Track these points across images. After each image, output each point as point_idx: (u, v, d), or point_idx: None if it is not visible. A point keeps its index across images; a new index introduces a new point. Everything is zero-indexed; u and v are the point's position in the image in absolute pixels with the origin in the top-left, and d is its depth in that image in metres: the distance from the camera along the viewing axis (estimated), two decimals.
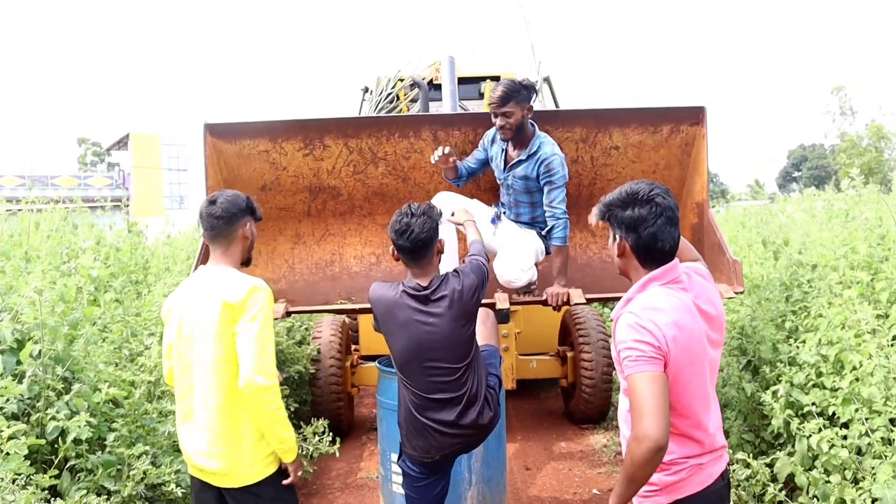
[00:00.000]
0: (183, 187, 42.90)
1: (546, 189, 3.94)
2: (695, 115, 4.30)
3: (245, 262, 2.89)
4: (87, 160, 49.13)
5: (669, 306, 2.09)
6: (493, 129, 4.04)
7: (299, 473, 2.81)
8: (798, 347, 3.90)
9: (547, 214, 3.99)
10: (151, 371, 4.11)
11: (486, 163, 4.17)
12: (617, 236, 2.24)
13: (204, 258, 3.62)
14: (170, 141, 42.40)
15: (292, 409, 5.84)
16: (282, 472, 2.77)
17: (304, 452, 5.09)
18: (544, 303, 4.18)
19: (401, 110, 7.25)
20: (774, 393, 3.76)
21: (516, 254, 3.99)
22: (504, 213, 4.19)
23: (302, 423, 5.51)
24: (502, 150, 4.03)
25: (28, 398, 3.42)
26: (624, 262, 2.26)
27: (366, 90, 7.80)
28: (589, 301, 4.08)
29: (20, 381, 3.34)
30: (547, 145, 3.90)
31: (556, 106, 7.28)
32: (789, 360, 4.00)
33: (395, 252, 3.06)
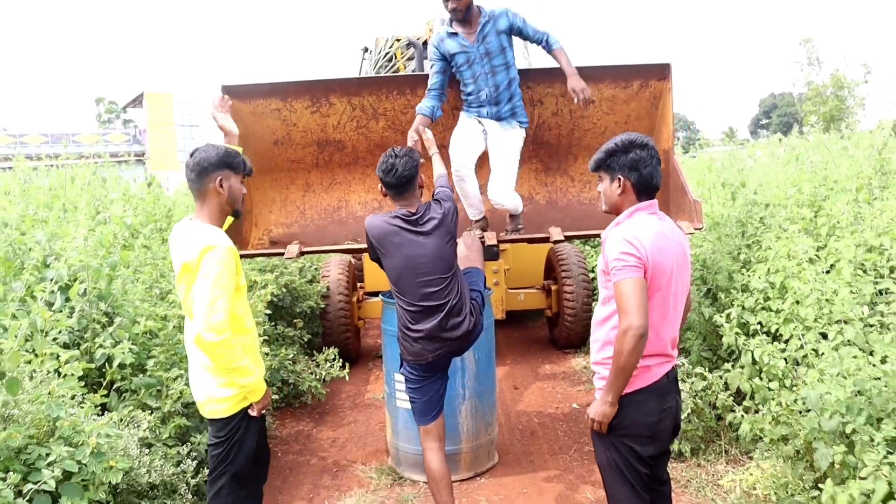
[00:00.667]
0: (196, 142, 42.67)
1: (519, 32, 4.15)
2: (661, 71, 4.44)
3: (234, 215, 2.83)
4: (105, 118, 48.66)
5: (650, 230, 2.40)
6: (436, 35, 4.20)
7: (262, 410, 2.80)
8: (749, 276, 4.13)
9: (538, 41, 4.18)
10: (181, 306, 4.34)
11: (446, 68, 4.22)
12: (619, 178, 2.49)
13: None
14: (182, 98, 41.99)
15: (305, 340, 6.11)
16: (244, 413, 2.76)
17: (317, 376, 5.38)
18: (529, 241, 4.39)
19: (398, 69, 7.33)
20: (728, 315, 4.00)
21: (503, 178, 4.19)
22: (485, 101, 4.20)
23: (315, 352, 5.80)
24: (460, 36, 4.12)
25: (77, 330, 3.65)
26: (622, 198, 2.52)
27: (365, 50, 7.86)
28: (568, 238, 4.29)
29: (70, 316, 3.55)
30: (489, 8, 4.13)
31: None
32: (742, 287, 4.23)
33: (383, 189, 3.37)
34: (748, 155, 8.93)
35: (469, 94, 4.23)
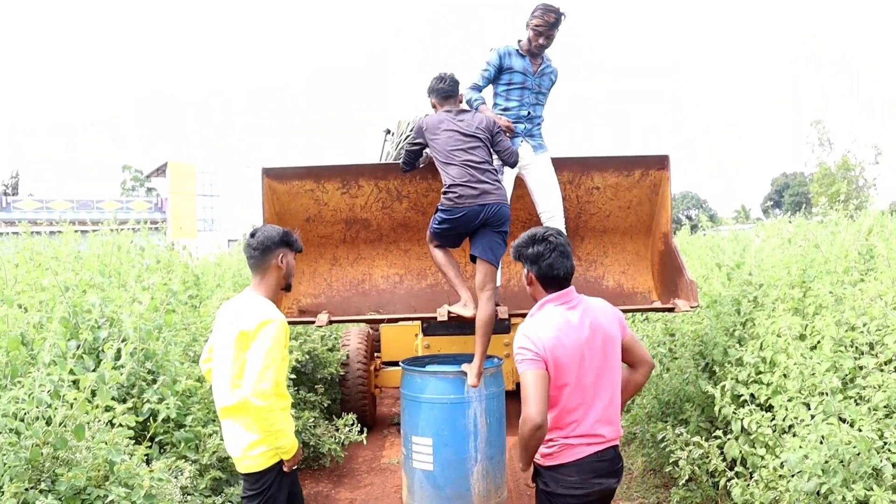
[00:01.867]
0: (215, 211, 43.80)
1: (547, 91, 4.85)
2: (661, 162, 4.94)
3: (285, 289, 3.16)
4: (129, 185, 50.08)
5: (553, 324, 2.64)
6: (503, 47, 4.69)
7: (294, 465, 3.06)
8: (742, 351, 4.47)
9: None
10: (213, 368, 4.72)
11: (493, 79, 4.74)
12: (525, 269, 2.81)
13: None
14: (204, 169, 43.35)
15: (325, 405, 6.45)
16: (277, 468, 3.01)
17: (336, 440, 5.69)
18: None
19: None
20: (723, 387, 4.33)
21: (553, 196, 4.77)
22: (524, 118, 4.75)
23: (334, 417, 6.12)
24: (527, 60, 4.70)
25: (125, 386, 4.03)
26: (532, 289, 2.82)
27: (388, 132, 8.40)
28: None
29: (121, 373, 3.93)
30: (550, 60, 4.83)
31: None
32: (736, 362, 4.57)
33: (433, 99, 4.60)
34: (755, 234, 9.25)
35: (508, 111, 4.74)
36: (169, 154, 44.26)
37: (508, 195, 4.63)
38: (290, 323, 5.09)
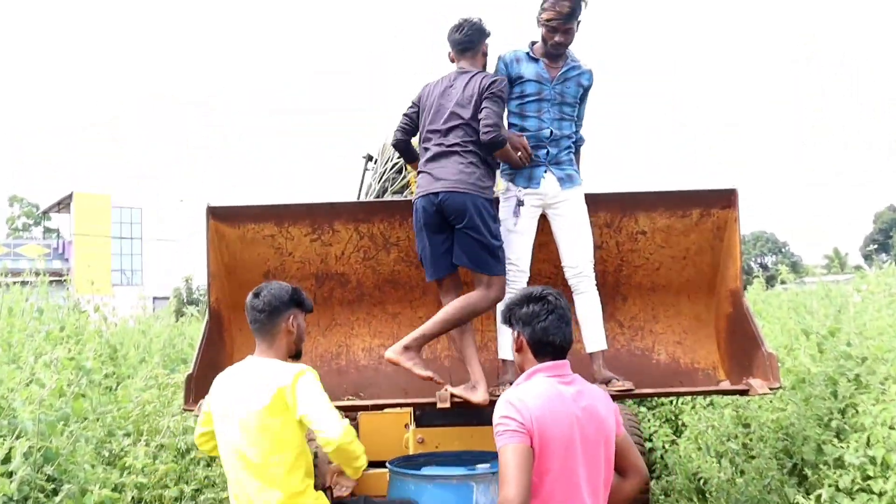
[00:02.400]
0: (136, 259, 43.85)
1: (581, 103, 4.91)
2: (725, 199, 5.01)
3: (295, 356, 3.53)
4: (19, 223, 50.11)
5: (543, 392, 2.83)
6: (510, 52, 4.81)
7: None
8: (843, 448, 4.50)
9: (576, 129, 4.94)
10: (141, 471, 4.73)
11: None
12: (516, 333, 3.00)
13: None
14: (122, 202, 43.52)
15: None
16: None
17: None
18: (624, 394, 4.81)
19: (409, 183, 7.98)
20: (818, 498, 4.34)
21: (583, 247, 4.78)
22: (546, 139, 4.77)
23: None
24: (541, 65, 4.74)
25: (15, 501, 4.02)
26: (521, 357, 3.02)
27: (369, 158, 8.49)
28: (615, 398, 4.70)
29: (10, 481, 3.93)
30: (580, 60, 4.87)
31: None
32: (834, 462, 4.59)
33: (451, 53, 4.78)
34: (855, 289, 9.26)
35: (525, 132, 4.76)
36: (75, 184, 44.46)
37: (529, 239, 4.73)
38: None
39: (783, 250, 63.81)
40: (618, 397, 4.73)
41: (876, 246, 59.17)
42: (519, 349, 3.01)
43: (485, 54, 4.77)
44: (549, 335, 2.92)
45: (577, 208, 4.82)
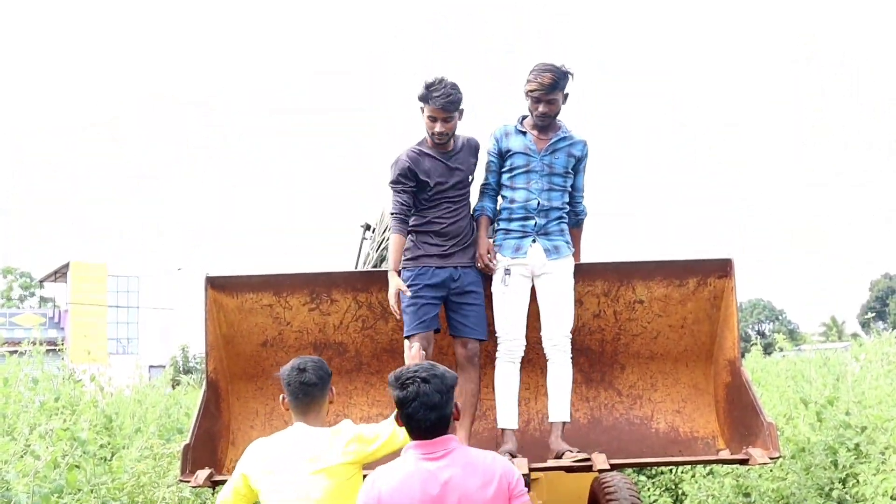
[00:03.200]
0: (132, 327, 43.79)
1: (577, 175, 4.98)
2: (722, 268, 5.07)
3: None
4: (14, 294, 50.14)
5: (401, 472, 3.02)
6: (500, 128, 4.90)
7: None
8: None
9: (575, 201, 5.04)
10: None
11: (501, 168, 4.93)
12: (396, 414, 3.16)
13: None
14: (119, 272, 43.62)
15: None
16: None
17: None
18: (568, 469, 4.79)
19: None
20: None
21: (562, 318, 4.83)
22: (533, 211, 4.84)
23: None
24: (529, 137, 4.82)
25: None
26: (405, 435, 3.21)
27: (367, 228, 8.57)
28: (613, 467, 4.69)
29: None
30: (573, 130, 4.94)
31: None
32: None
33: None
34: (853, 357, 9.28)
35: (514, 203, 4.84)
36: (71, 253, 44.58)
37: (520, 307, 4.84)
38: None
39: (780, 318, 63.89)
40: (616, 467, 4.74)
41: (873, 314, 59.24)
42: (400, 423, 3.17)
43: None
44: (412, 421, 3.06)
45: (562, 280, 4.88)
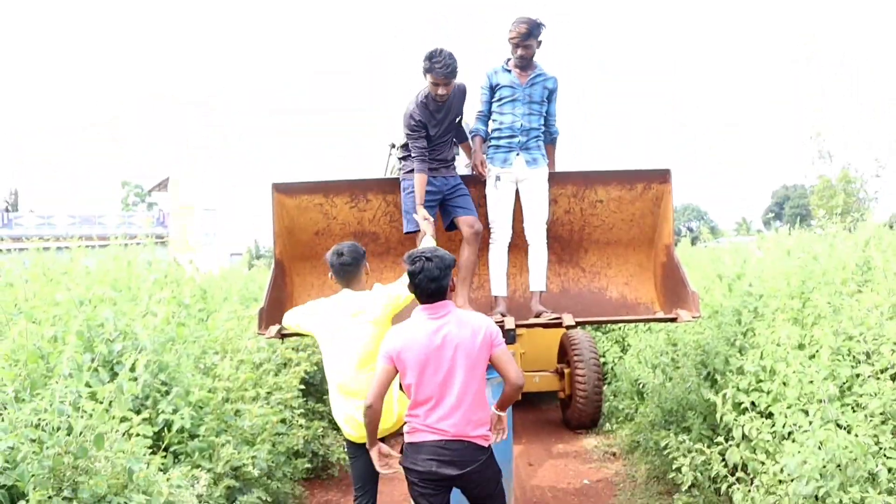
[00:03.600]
0: (216, 225, 43.87)
1: (550, 103, 4.97)
2: (663, 176, 5.06)
3: None
4: (130, 201, 50.18)
5: (409, 330, 3.23)
6: (491, 69, 4.90)
7: None
8: (743, 360, 4.58)
9: (549, 123, 5.02)
10: (227, 379, 4.84)
11: (492, 99, 4.94)
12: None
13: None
14: (206, 182, 43.51)
15: (329, 419, 6.54)
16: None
17: (345, 450, 5.77)
18: (543, 326, 4.89)
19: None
20: (724, 395, 4.43)
21: (539, 218, 4.89)
22: (518, 130, 4.85)
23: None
24: (513, 74, 4.84)
25: (140, 397, 4.14)
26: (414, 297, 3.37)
27: (392, 146, 8.52)
28: (579, 324, 4.79)
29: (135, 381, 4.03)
30: (546, 69, 4.90)
31: None
32: (737, 370, 4.67)
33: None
34: (756, 247, 9.35)
35: (502, 125, 4.88)
36: (170, 169, 44.37)
37: (507, 206, 4.89)
38: (298, 335, 5.22)
39: (704, 218, 63.68)
40: (580, 324, 4.83)
41: (772, 215, 59.00)
42: (412, 291, 3.32)
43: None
44: (419, 289, 3.23)
45: (539, 184, 4.92)
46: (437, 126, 4.74)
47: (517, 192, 4.92)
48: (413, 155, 4.70)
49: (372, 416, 3.22)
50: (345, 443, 4.08)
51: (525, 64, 4.83)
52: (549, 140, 5.08)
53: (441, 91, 4.55)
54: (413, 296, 3.40)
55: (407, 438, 3.28)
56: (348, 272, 3.90)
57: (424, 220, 4.53)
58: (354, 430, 3.73)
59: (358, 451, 3.78)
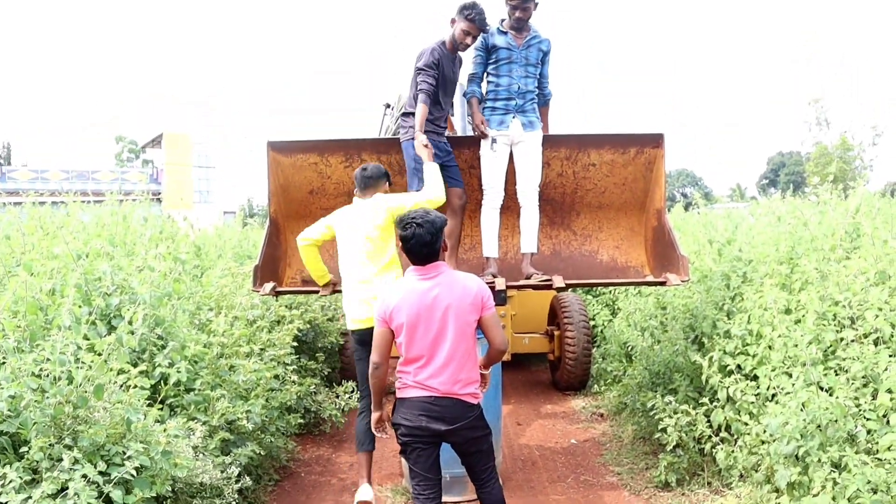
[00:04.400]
0: (210, 183, 43.74)
1: (543, 65, 5.00)
2: (655, 140, 5.07)
3: None
4: (124, 157, 49.77)
5: (403, 289, 3.31)
6: (489, 30, 4.81)
7: None
8: (730, 324, 4.66)
9: (542, 85, 5.05)
10: (222, 335, 4.90)
11: (486, 60, 4.94)
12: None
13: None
14: (199, 140, 43.24)
15: (325, 373, 6.64)
16: None
17: (337, 406, 5.88)
18: (534, 287, 4.95)
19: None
20: (710, 358, 4.52)
21: (532, 180, 4.93)
22: (515, 93, 4.88)
23: (334, 384, 6.32)
24: (509, 36, 4.84)
25: (136, 351, 4.19)
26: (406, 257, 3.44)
27: (387, 106, 8.49)
28: (570, 286, 4.85)
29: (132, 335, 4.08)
30: (539, 31, 4.92)
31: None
32: (724, 334, 4.75)
33: None
34: (750, 213, 9.37)
35: (499, 87, 4.89)
36: (164, 125, 43.99)
37: (502, 167, 4.90)
38: (292, 293, 5.28)
39: (699, 183, 63.65)
40: (570, 286, 4.90)
41: (767, 181, 58.99)
42: (403, 254, 3.46)
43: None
44: (410, 253, 3.29)
45: (534, 147, 4.94)
46: (450, 73, 4.80)
47: (511, 154, 4.93)
48: (420, 88, 4.68)
49: (379, 375, 3.36)
50: (353, 341, 4.46)
51: (522, 26, 4.82)
52: (543, 102, 5.08)
53: (469, 41, 4.68)
54: (413, 202, 3.97)
55: (398, 394, 3.37)
56: (368, 184, 4.37)
57: (424, 148, 4.55)
58: (366, 311, 4.19)
59: (365, 350, 4.01)
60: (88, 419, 3.33)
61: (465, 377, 3.29)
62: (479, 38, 4.83)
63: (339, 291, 4.95)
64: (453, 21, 4.67)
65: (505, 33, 4.85)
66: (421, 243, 3.25)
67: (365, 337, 4.05)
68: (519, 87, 4.86)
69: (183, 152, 41.85)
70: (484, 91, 4.99)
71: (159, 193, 37.17)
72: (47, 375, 3.28)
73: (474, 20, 4.59)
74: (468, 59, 4.97)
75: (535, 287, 4.97)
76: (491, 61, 4.90)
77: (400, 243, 3.36)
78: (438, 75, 4.68)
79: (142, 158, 49.10)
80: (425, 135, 4.56)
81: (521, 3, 4.72)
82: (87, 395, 3.31)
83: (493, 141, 4.86)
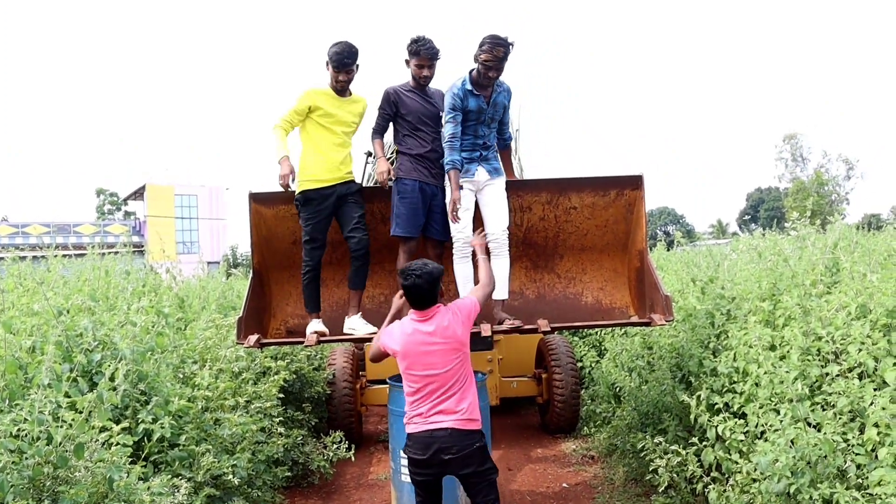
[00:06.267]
0: (193, 234, 43.57)
1: (505, 112, 5.04)
2: (635, 182, 5.15)
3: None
4: (105, 209, 49.68)
5: (403, 329, 3.71)
6: (458, 90, 4.71)
7: None
8: (716, 362, 4.68)
9: (504, 130, 5.14)
10: (207, 388, 4.84)
11: (461, 120, 4.83)
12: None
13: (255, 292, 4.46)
14: (182, 191, 43.19)
15: (312, 424, 6.56)
16: None
17: (324, 458, 5.80)
18: (521, 332, 4.95)
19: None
20: (698, 397, 4.52)
21: (501, 218, 4.91)
22: (479, 146, 4.89)
23: (321, 435, 6.24)
24: (481, 99, 4.79)
25: (119, 407, 4.13)
26: (406, 306, 3.85)
27: (368, 154, 8.55)
28: (555, 329, 4.86)
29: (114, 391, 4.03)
30: (501, 80, 4.90)
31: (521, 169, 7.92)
32: (710, 372, 4.77)
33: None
34: (732, 249, 9.46)
35: (464, 141, 4.84)
36: (146, 176, 44.03)
37: (469, 213, 4.87)
38: (277, 344, 5.24)
39: (680, 221, 64.36)
40: (556, 329, 4.90)
41: (748, 217, 59.76)
42: (404, 300, 3.91)
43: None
44: (411, 299, 3.70)
45: (499, 192, 4.96)
46: (421, 110, 5.00)
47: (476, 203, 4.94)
48: (374, 128, 5.12)
49: (375, 353, 3.94)
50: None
51: (489, 83, 4.76)
52: (504, 146, 5.18)
53: (426, 73, 4.90)
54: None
55: (406, 430, 3.70)
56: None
57: (381, 173, 4.98)
58: None
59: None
60: (69, 479, 3.26)
61: (465, 407, 3.63)
62: (453, 98, 4.72)
63: (326, 342, 4.93)
64: (407, 62, 4.95)
65: (477, 95, 4.76)
66: (420, 292, 3.65)
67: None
68: (484, 142, 4.93)
69: (165, 203, 41.82)
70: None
71: (142, 245, 36.96)
72: (26, 435, 3.22)
73: (419, 52, 4.87)
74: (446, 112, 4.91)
75: (520, 331, 4.97)
76: (463, 121, 4.80)
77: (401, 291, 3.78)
78: (390, 112, 5.01)
79: (124, 210, 49.03)
80: (413, 181, 4.89)
81: (496, 64, 4.62)
82: (68, 454, 3.25)
83: (460, 188, 4.80)
